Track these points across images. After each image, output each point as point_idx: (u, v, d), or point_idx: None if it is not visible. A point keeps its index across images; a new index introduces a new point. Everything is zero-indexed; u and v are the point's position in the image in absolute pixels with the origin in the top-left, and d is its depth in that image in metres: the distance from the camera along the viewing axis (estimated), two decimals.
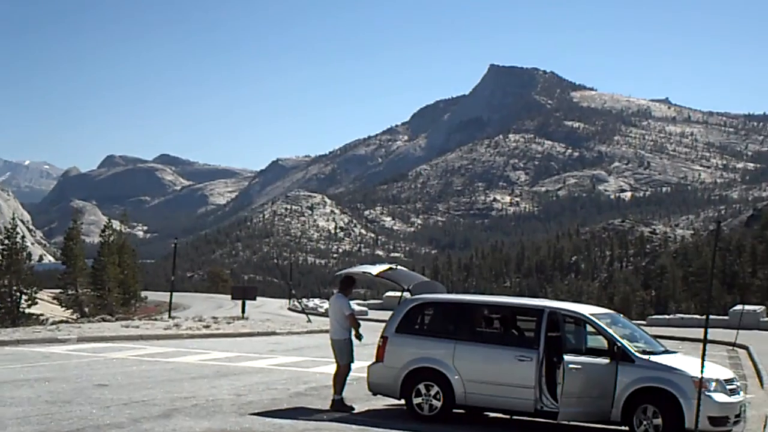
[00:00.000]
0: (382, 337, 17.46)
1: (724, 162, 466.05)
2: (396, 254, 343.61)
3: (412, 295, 18.22)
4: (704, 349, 14.19)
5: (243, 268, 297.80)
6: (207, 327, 39.63)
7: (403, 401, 17.05)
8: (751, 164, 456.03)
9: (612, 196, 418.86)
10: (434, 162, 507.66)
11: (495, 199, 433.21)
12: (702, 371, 14.39)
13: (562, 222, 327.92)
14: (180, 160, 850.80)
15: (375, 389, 17.54)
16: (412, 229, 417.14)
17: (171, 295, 60.97)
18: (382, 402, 17.94)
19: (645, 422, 15.17)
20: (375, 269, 18.44)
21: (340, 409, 17.32)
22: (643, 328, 26.46)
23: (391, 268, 18.65)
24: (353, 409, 17.47)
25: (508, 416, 16.92)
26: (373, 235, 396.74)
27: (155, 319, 50.26)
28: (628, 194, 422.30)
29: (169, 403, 17.21)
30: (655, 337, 18.41)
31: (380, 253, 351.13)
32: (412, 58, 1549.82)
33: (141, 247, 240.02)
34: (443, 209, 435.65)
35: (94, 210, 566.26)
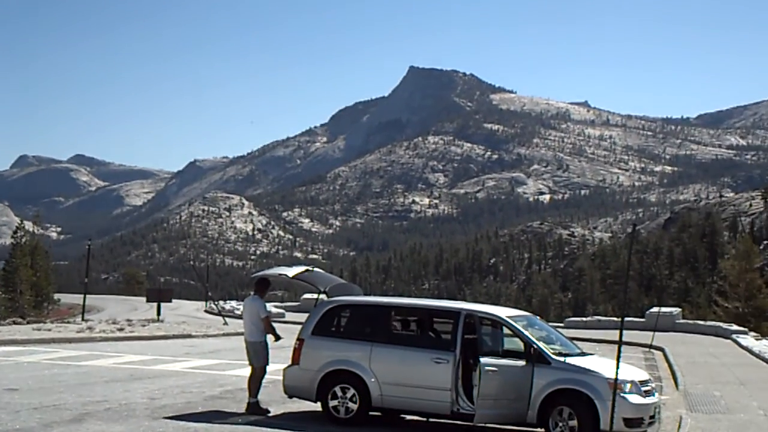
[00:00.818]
0: (298, 339, 17.29)
1: (642, 165, 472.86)
2: (314, 256, 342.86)
3: (328, 297, 18.09)
4: (619, 351, 14.29)
5: (159, 270, 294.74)
6: (121, 330, 39.13)
7: (319, 404, 16.87)
8: (669, 167, 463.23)
9: (531, 199, 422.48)
10: (353, 164, 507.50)
11: (414, 201, 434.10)
12: (617, 373, 14.47)
13: (480, 224, 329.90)
14: (95, 160, 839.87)
15: (291, 392, 17.35)
16: (331, 230, 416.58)
17: (84, 298, 60.24)
18: (297, 405, 17.75)
19: (561, 424, 15.22)
20: (291, 271, 18.30)
21: (255, 413, 17.13)
22: (560, 330, 26.66)
23: (307, 270, 18.52)
24: (268, 412, 17.30)
25: (424, 419, 16.88)
26: (291, 237, 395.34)
27: (68, 322, 49.60)
28: (547, 197, 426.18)
29: (81, 407, 16.88)
30: (572, 339, 18.50)
31: (298, 254, 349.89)
32: (331, 59, 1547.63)
33: (55, 248, 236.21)
34: (362, 211, 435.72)
35: (5, 211, 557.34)
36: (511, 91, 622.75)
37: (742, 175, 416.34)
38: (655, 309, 48.63)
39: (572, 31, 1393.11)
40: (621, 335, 14.37)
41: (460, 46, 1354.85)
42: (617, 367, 14.35)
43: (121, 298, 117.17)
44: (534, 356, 15.48)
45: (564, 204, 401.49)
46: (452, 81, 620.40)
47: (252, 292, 18.27)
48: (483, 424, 15.81)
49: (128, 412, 16.69)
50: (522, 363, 15.55)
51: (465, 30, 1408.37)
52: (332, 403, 16.59)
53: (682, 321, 49.88)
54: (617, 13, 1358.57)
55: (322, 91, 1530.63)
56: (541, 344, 15.73)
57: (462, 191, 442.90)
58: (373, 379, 16.37)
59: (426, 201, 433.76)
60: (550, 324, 37.26)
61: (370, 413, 16.61)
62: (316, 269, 19.08)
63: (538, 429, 15.52)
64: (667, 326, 45.31)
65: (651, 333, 37.38)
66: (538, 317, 18.30)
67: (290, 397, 17.49)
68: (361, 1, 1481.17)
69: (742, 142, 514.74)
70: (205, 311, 75.55)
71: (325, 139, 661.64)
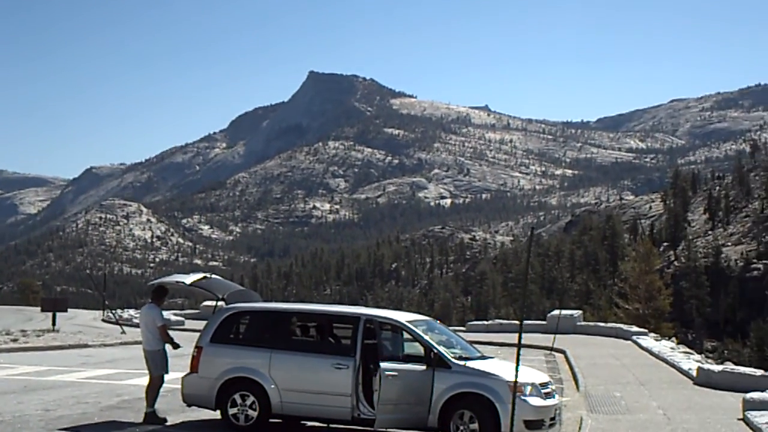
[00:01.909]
0: (196, 347, 17.08)
1: (543, 169, 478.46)
2: (214, 263, 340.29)
3: (227, 304, 17.90)
4: (518, 354, 14.30)
5: (55, 279, 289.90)
6: (15, 340, 38.22)
7: (218, 412, 16.64)
8: (569, 171, 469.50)
9: (432, 203, 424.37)
10: (253, 169, 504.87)
11: (315, 207, 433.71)
12: (516, 376, 14.47)
13: (382, 229, 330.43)
14: None
15: (189, 400, 17.10)
16: (231, 237, 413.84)
17: None
18: (197, 413, 17.51)
19: (462, 427, 15.20)
20: (189, 278, 18.08)
21: (152, 422, 16.87)
22: (461, 333, 26.67)
23: (205, 277, 18.31)
24: (166, 421, 17.04)
25: (325, 425, 16.78)
26: (190, 244, 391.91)
27: None
28: (448, 201, 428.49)
29: None
30: (474, 342, 18.42)
31: (198, 261, 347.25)
32: (230, 64, 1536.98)
33: None
34: (262, 217, 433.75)
35: None
36: (411, 96, 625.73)
37: (642, 178, 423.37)
38: (556, 311, 48.89)
39: (472, 36, 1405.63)
40: (520, 338, 14.38)
41: (360, 51, 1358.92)
42: (517, 370, 14.35)
43: (15, 308, 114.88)
44: (434, 360, 15.43)
45: (465, 208, 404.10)
46: (352, 86, 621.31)
47: (149, 301, 17.98)
48: (384, 429, 15.69)
49: (21, 424, 16.30)
50: (422, 367, 15.50)
51: (365, 35, 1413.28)
52: (232, 410, 16.40)
53: (583, 323, 50.27)
54: (517, 18, 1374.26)
55: (221, 97, 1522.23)
56: (441, 348, 15.69)
57: (363, 196, 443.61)
58: (273, 386, 16.22)
59: (327, 206, 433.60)
60: (452, 328, 37.37)
61: (271, 420, 16.41)
62: (213, 276, 18.87)
63: None
64: (569, 328, 45.64)
65: (552, 335, 37.70)
66: (438, 321, 18.28)
67: (189, 405, 17.23)
68: (259, 5, 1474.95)
69: (642, 146, 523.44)
70: (103, 320, 74.37)
71: (224, 144, 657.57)
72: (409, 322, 16.39)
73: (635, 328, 46.92)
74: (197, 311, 66.02)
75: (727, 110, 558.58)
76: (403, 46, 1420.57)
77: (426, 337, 15.86)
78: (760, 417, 16.44)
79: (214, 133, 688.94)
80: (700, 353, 48.73)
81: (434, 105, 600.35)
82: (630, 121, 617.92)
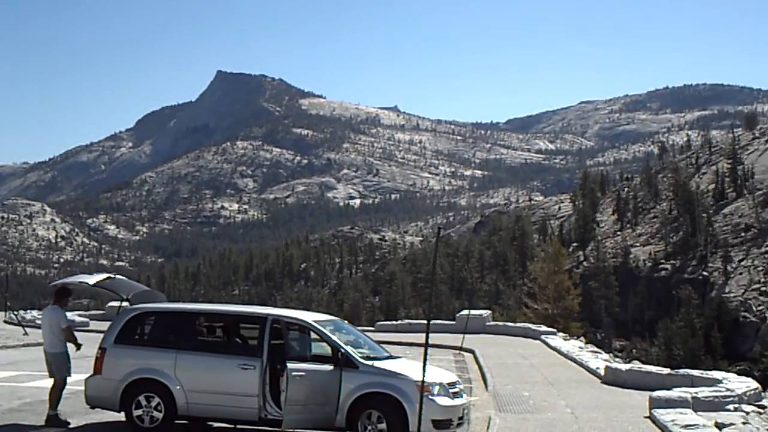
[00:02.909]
0: (100, 348, 16.82)
1: (453, 169, 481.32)
2: (121, 263, 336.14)
3: (131, 304, 17.67)
4: (425, 353, 14.24)
5: None
6: None
7: (123, 414, 16.40)
8: (479, 172, 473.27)
9: (341, 204, 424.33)
10: (160, 169, 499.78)
11: (223, 207, 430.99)
12: (424, 375, 14.42)
13: (291, 229, 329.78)
14: None
15: (93, 402, 16.82)
16: (138, 237, 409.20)
17: None
18: (101, 415, 17.18)
19: (370, 427, 15.19)
20: (92, 279, 17.84)
21: (55, 425, 16.58)
22: (370, 333, 26.55)
23: (109, 278, 18.08)
24: (69, 423, 16.74)
25: (232, 425, 16.61)
26: (96, 244, 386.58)
27: None
28: (357, 201, 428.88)
29: None
30: (382, 342, 18.34)
31: (104, 262, 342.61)
32: (137, 63, 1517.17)
33: None
34: (170, 217, 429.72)
35: None
36: (320, 96, 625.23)
37: (551, 179, 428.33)
38: (465, 311, 48.99)
39: (382, 36, 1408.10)
40: (427, 338, 14.33)
41: (269, 51, 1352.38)
42: (424, 370, 14.31)
43: None
44: (342, 360, 15.42)
45: (374, 208, 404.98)
46: (261, 86, 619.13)
47: (52, 302, 17.62)
48: (291, 430, 15.54)
49: None
50: (330, 367, 15.48)
51: (273, 34, 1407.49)
52: (136, 412, 16.18)
53: (492, 323, 50.38)
54: (426, 19, 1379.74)
55: (127, 95, 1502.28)
56: (348, 348, 15.68)
57: (272, 196, 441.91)
58: (178, 387, 16.06)
59: (235, 206, 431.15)
60: (361, 328, 37.25)
61: (176, 422, 16.23)
62: (118, 276, 18.65)
63: None
64: (478, 328, 45.68)
65: (461, 335, 37.75)
66: (345, 321, 18.26)
67: (93, 407, 16.95)
68: (166, 3, 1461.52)
69: (551, 147, 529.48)
70: (4, 321, 72.97)
71: (130, 144, 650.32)
72: (316, 321, 16.36)
73: (544, 328, 47.15)
74: (102, 312, 65.11)
75: (635, 112, 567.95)
76: (312, 46, 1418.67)
77: (333, 337, 15.84)
78: (666, 415, 16.57)
79: (120, 132, 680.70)
80: (608, 352, 49.25)
81: (343, 105, 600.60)
82: (539, 122, 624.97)
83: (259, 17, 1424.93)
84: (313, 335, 16.31)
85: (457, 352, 35.77)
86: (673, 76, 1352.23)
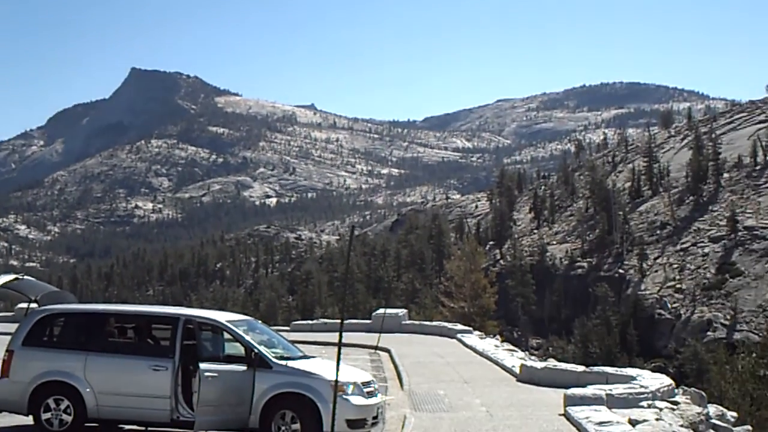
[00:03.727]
0: (7, 351, 16.50)
1: (369, 168, 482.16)
2: (32, 264, 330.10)
3: (40, 306, 17.30)
4: (339, 353, 14.12)
5: None
6: None
7: (31, 417, 16.10)
8: (396, 170, 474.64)
9: (257, 202, 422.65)
10: (72, 168, 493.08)
11: (137, 206, 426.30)
12: (337, 375, 14.34)
13: (206, 228, 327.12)
14: None
15: (0, 406, 16.53)
16: (49, 237, 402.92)
17: None
18: (8, 419, 16.90)
19: (283, 428, 15.16)
20: None
21: None
22: (284, 333, 26.35)
23: (17, 279, 17.73)
24: None
25: (143, 428, 16.38)
26: (6, 245, 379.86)
27: None
28: (274, 200, 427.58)
29: None
30: (298, 342, 18.21)
31: (14, 263, 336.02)
32: (48, 59, 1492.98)
33: None
34: (82, 216, 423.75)
35: None
36: (236, 94, 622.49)
37: (468, 177, 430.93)
38: (381, 310, 48.94)
39: (297, 34, 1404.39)
40: (340, 337, 14.22)
41: (184, 48, 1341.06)
42: (338, 369, 14.22)
43: None
44: (255, 361, 15.35)
45: (291, 207, 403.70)
46: (176, 83, 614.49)
47: None
48: (204, 431, 15.34)
49: None
50: (243, 368, 15.40)
51: (189, 31, 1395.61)
52: (45, 415, 15.91)
53: (408, 322, 50.33)
54: (341, 16, 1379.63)
55: (38, 93, 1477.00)
56: (262, 348, 15.61)
57: (187, 195, 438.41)
58: (88, 390, 15.83)
59: (150, 206, 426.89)
60: (276, 328, 37.02)
61: (87, 424, 15.98)
62: (26, 277, 18.29)
63: None
64: (394, 327, 45.65)
65: (377, 334, 37.66)
66: (259, 321, 18.10)
67: (0, 411, 16.61)
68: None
69: (468, 145, 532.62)
70: None
71: (42, 142, 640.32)
72: (229, 322, 16.24)
73: (460, 327, 47.16)
74: (11, 314, 64.10)
75: (552, 110, 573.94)
76: (228, 43, 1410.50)
77: (247, 338, 15.74)
78: (580, 412, 16.64)
79: (31, 130, 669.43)
80: (525, 351, 49.40)
81: (260, 103, 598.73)
82: (456, 120, 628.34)
83: (174, 13, 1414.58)
84: (227, 335, 16.18)
85: (373, 351, 35.67)
86: (590, 74, 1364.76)
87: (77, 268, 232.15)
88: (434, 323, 51.62)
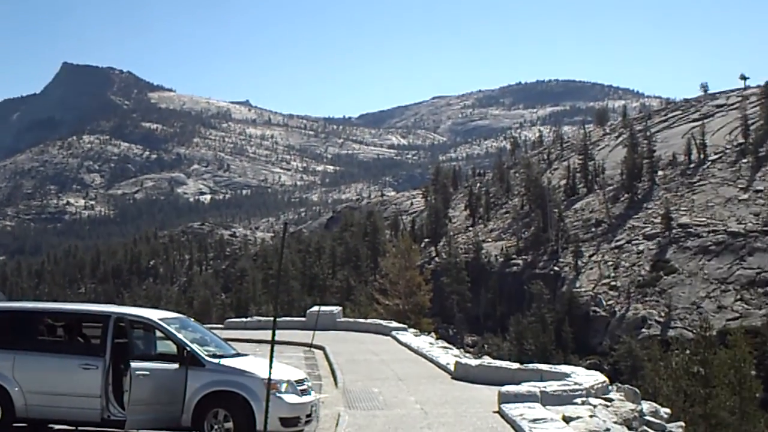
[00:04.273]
0: None
1: (305, 165, 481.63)
2: None
3: None
4: (272, 350, 14.03)
5: None
6: None
7: None
8: (331, 167, 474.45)
9: (191, 199, 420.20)
10: (2, 164, 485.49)
11: (68, 203, 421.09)
12: (270, 373, 14.23)
13: (139, 225, 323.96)
14: None
15: None
16: None
17: None
18: None
19: (216, 426, 15.07)
20: None
21: None
22: (220, 331, 26.14)
23: None
24: None
25: (73, 427, 16.10)
26: None
27: None
28: (208, 197, 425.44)
29: None
30: (232, 340, 18.05)
31: None
32: None
33: None
34: (12, 213, 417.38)
35: None
36: (170, 90, 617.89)
37: (404, 174, 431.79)
38: (315, 308, 48.84)
39: (233, 29, 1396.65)
40: (273, 334, 14.13)
41: (117, 43, 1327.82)
42: (270, 367, 14.10)
43: None
44: (187, 359, 15.23)
45: (225, 204, 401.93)
46: (108, 78, 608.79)
47: None
48: (135, 430, 15.15)
49: None
50: (175, 366, 15.26)
51: (122, 25, 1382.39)
52: None
53: (343, 319, 50.31)
54: (277, 12, 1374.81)
55: None
56: (194, 346, 15.49)
57: (119, 192, 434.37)
58: (16, 389, 15.60)
59: (81, 202, 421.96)
60: (210, 325, 36.71)
61: (15, 425, 15.72)
62: None
63: None
64: (329, 325, 45.55)
65: (312, 332, 37.53)
66: (192, 319, 17.94)
67: None
68: None
69: (404, 142, 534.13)
70: None
71: None
72: (161, 319, 16.09)
73: (395, 324, 47.13)
74: None
75: (488, 108, 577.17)
76: (161, 38, 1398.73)
77: (179, 335, 15.61)
78: (514, 409, 16.66)
79: None
80: (460, 348, 49.57)
81: (194, 99, 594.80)
82: (392, 117, 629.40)
83: (106, 8, 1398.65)
84: (159, 333, 16.02)
85: (308, 349, 35.54)
86: (526, 72, 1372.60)
87: (7, 266, 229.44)
88: (369, 321, 51.59)
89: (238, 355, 16.47)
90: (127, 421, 14.99)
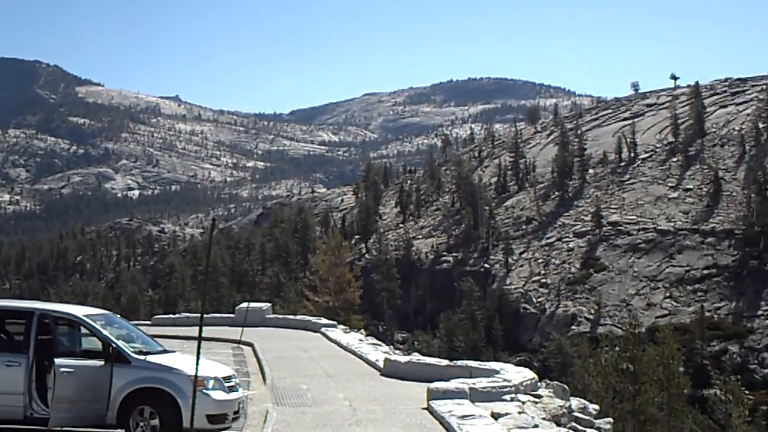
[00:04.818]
0: None
1: (235, 161, 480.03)
2: None
3: None
4: (199, 347, 13.87)
5: None
6: None
7: None
8: (261, 163, 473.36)
9: (119, 195, 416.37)
10: None
11: None
12: (197, 369, 14.07)
13: (66, 221, 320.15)
14: None
15: None
16: None
17: None
18: None
19: (142, 423, 14.90)
20: None
21: None
22: (145, 328, 25.83)
23: None
24: None
25: None
26: None
27: None
28: (136, 192, 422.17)
29: None
30: (160, 336, 17.84)
31: None
32: None
33: None
34: None
35: None
36: (98, 84, 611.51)
37: (334, 171, 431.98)
38: (244, 304, 48.61)
39: (162, 24, 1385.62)
40: (201, 331, 13.97)
41: (44, 35, 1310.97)
42: (197, 364, 13.94)
43: None
44: (113, 356, 15.00)
45: (154, 200, 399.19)
46: (35, 72, 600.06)
47: None
48: (59, 428, 14.89)
49: None
50: (101, 363, 15.02)
51: (48, 19, 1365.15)
52: None
53: (272, 316, 50.09)
54: (208, 7, 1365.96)
55: None
56: (120, 343, 15.27)
57: (46, 187, 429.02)
58: None
59: (6, 197, 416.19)
60: (137, 322, 36.30)
61: None
62: None
63: (119, 431, 14.90)
64: (258, 321, 45.34)
65: (241, 329, 37.30)
66: (118, 315, 17.68)
67: None
68: None
69: (334, 139, 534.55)
70: None
71: None
72: (86, 316, 15.80)
73: (324, 321, 47.02)
74: None
75: (419, 105, 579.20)
76: (90, 32, 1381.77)
77: (104, 332, 15.37)
78: (443, 406, 16.65)
79: None
80: (390, 345, 49.63)
81: (122, 94, 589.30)
82: (323, 114, 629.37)
83: (31, 2, 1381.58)
84: (84, 330, 15.73)
85: (236, 345, 35.34)
86: (458, 69, 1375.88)
87: None
88: (298, 317, 51.41)
89: (165, 351, 16.30)
90: (50, 418, 14.69)
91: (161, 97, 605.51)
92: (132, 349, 15.31)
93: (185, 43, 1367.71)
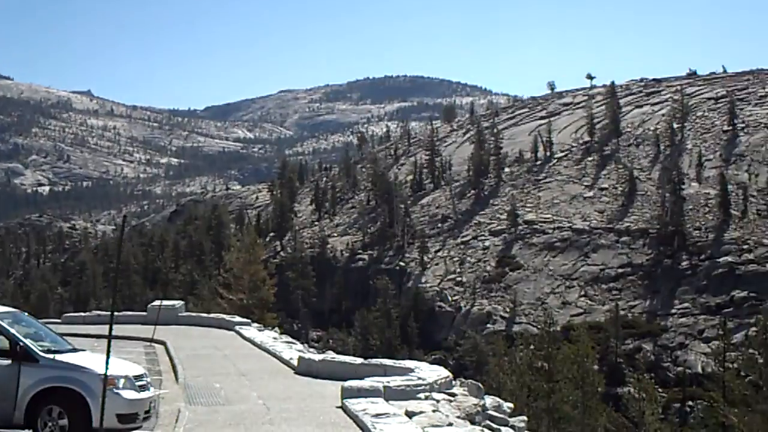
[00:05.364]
0: None
1: (148, 157, 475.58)
2: None
3: None
4: (109, 345, 13.65)
5: None
6: None
7: None
8: (175, 160, 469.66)
9: (29, 191, 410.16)
10: None
11: None
12: (106, 368, 13.83)
13: None
14: None
15: None
16: None
17: None
18: None
19: (50, 424, 14.58)
20: None
21: None
22: (54, 326, 25.42)
23: None
24: None
25: None
26: None
27: None
28: (47, 188, 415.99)
29: None
30: (70, 335, 17.55)
31: None
32: None
33: None
34: None
35: None
36: (7, 78, 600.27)
37: (249, 167, 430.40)
38: (157, 302, 48.15)
39: (75, 16, 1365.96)
40: (111, 329, 13.73)
41: None
42: (107, 362, 13.70)
43: None
44: (20, 354, 14.69)
45: (65, 196, 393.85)
46: None
47: None
48: None
49: None
50: (7, 362, 14.70)
51: None
52: None
53: (186, 314, 49.75)
54: (120, 1, 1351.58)
55: None
56: (27, 341, 14.97)
57: None
58: None
59: None
60: (47, 320, 35.73)
61: None
62: None
63: (27, 431, 14.63)
64: (171, 319, 44.96)
65: (153, 327, 36.93)
66: (26, 313, 17.35)
67: None
68: None
69: (250, 135, 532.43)
70: None
71: None
72: None
73: (238, 319, 46.82)
74: None
75: (335, 102, 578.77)
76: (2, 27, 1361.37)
77: (11, 330, 15.04)
78: (357, 404, 16.62)
79: None
80: (304, 343, 49.52)
81: (33, 88, 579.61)
82: (238, 110, 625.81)
83: None
84: None
85: (148, 344, 34.97)
86: (374, 67, 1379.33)
87: None
88: (212, 315, 51.13)
89: (75, 350, 16.01)
90: None
91: (73, 92, 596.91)
92: (40, 348, 15.02)
93: (97, 37, 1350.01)
